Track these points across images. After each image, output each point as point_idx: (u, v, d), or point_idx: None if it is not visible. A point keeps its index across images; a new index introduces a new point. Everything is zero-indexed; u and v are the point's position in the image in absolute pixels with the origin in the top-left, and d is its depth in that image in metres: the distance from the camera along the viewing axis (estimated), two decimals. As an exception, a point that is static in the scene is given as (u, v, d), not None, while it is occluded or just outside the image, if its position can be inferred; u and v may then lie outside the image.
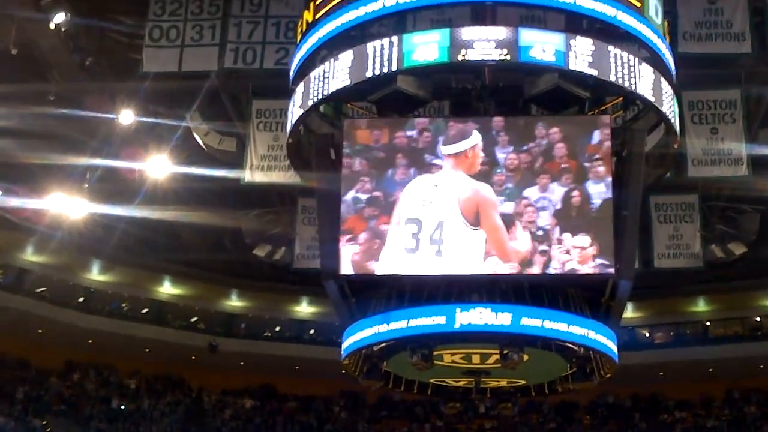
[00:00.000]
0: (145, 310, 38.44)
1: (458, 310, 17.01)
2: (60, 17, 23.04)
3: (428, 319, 17.19)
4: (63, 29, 23.41)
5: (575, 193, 17.27)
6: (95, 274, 37.03)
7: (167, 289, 38.86)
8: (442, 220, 17.33)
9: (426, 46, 16.36)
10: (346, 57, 16.95)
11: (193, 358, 37.81)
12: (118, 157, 27.83)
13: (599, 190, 17.27)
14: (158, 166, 27.82)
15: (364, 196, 17.81)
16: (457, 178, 17.48)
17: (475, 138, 17.58)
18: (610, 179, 17.28)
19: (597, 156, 17.38)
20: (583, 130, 17.63)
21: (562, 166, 17.42)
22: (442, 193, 17.48)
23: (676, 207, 24.74)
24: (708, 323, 37.09)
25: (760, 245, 26.99)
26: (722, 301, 36.33)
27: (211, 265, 36.76)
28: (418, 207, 17.51)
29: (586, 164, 17.37)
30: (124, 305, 38.09)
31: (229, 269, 37.20)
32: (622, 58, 16.52)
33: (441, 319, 17.05)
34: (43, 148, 26.40)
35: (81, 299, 36.48)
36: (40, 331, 34.41)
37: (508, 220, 17.24)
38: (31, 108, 24.75)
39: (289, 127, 18.52)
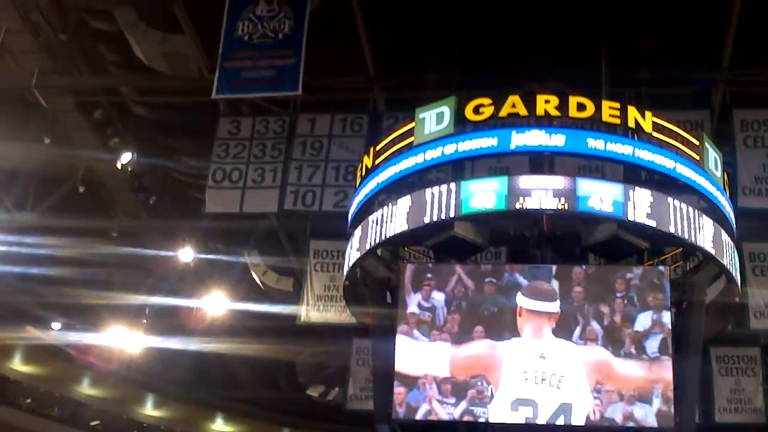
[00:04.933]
0: (197, 447, 38.26)
1: (510, 457, 16.59)
2: (126, 157, 23.82)
3: (480, 466, 16.80)
4: (129, 169, 24.13)
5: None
6: (149, 409, 37.06)
7: (219, 426, 38.70)
8: (569, 402, 16.65)
9: (484, 194, 16.34)
10: (404, 202, 17.00)
11: (244, 497, 37.36)
12: (176, 294, 28.15)
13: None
14: (216, 303, 28.07)
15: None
16: (565, 346, 16.85)
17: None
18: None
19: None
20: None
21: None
22: (559, 367, 16.77)
23: (737, 360, 24.06)
24: (771, 480, 35.85)
25: (824, 400, 26.19)
26: (786, 458, 35.19)
27: (264, 403, 36.68)
28: (530, 385, 16.72)
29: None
30: (176, 442, 37.98)
31: (281, 407, 37.03)
32: (681, 209, 16.37)
33: (492, 468, 16.65)
34: (102, 284, 26.86)
35: (135, 434, 36.45)
36: (92, 464, 34.34)
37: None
38: (93, 244, 25.27)
39: (345, 269, 18.48)
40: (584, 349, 16.80)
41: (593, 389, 16.54)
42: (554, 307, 17.07)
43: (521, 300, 17.21)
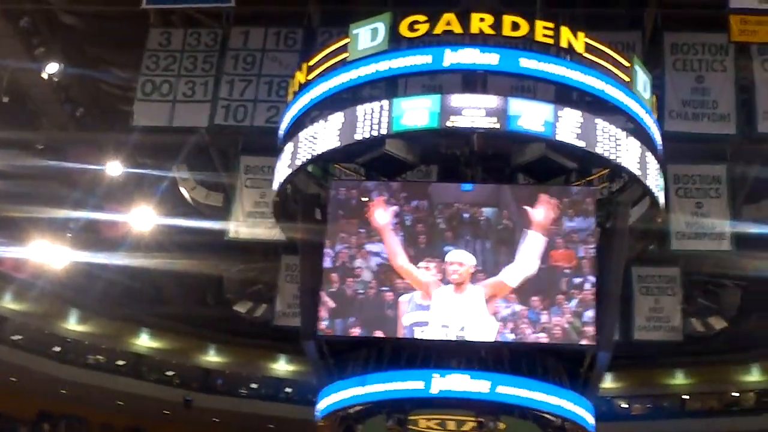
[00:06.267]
0: (121, 363, 38.04)
1: (436, 375, 16.88)
2: (53, 67, 23.36)
3: (405, 384, 17.07)
4: (55, 79, 23.62)
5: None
6: (73, 324, 36.74)
7: (144, 341, 38.54)
8: (465, 325, 17.22)
9: (416, 111, 16.48)
10: (337, 119, 17.05)
11: (167, 413, 37.34)
12: (102, 208, 27.81)
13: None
14: (143, 218, 27.80)
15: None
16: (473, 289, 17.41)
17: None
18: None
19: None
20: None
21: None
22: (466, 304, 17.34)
23: (658, 279, 24.65)
24: (686, 397, 37.02)
25: (740, 321, 27.06)
26: (700, 375, 36.34)
27: (191, 319, 36.61)
28: (449, 316, 17.33)
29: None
30: (100, 357, 37.70)
31: (208, 324, 36.98)
32: (609, 131, 16.69)
33: (418, 384, 16.92)
34: (27, 197, 26.41)
35: (57, 349, 36.09)
36: (13, 379, 33.98)
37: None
38: (18, 156, 24.79)
39: (276, 185, 18.53)
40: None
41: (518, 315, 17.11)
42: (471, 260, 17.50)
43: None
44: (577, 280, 17.23)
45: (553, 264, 17.34)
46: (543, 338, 17.03)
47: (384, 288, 17.50)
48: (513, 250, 17.41)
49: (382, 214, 17.80)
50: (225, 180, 24.24)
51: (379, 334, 17.43)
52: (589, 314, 17.06)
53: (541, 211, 17.42)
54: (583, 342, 17.05)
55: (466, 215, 17.74)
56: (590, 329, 17.03)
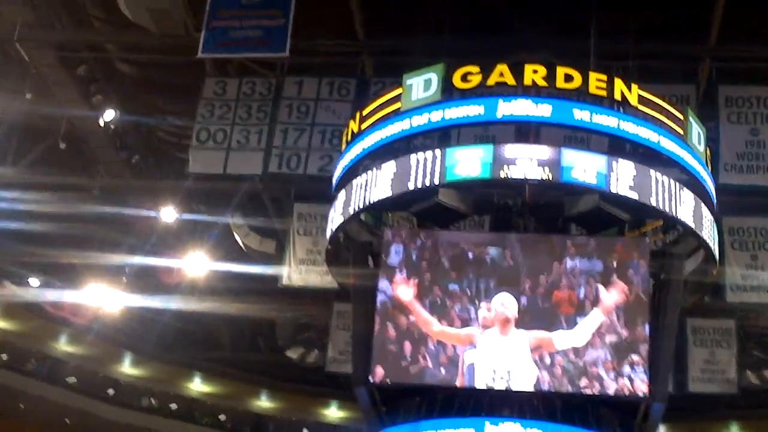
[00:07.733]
0: (174, 406, 38.25)
1: (487, 423, 16.64)
2: (110, 114, 23.77)
3: (458, 431, 17.00)
4: (112, 126, 24.05)
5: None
6: (127, 367, 37.06)
7: (197, 385, 38.73)
8: (510, 370, 16.99)
9: (469, 162, 16.44)
10: (389, 168, 17.06)
11: (219, 457, 37.52)
12: (157, 254, 28.13)
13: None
14: (197, 264, 28.07)
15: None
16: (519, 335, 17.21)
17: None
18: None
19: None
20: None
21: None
22: (511, 349, 17.11)
23: (712, 332, 24.35)
24: (742, 449, 36.32)
25: (796, 374, 26.56)
26: (756, 428, 35.57)
27: (243, 364, 36.78)
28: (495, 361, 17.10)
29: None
30: (153, 400, 37.94)
31: (260, 369, 37.16)
32: (663, 182, 16.53)
33: (470, 432, 16.86)
34: (83, 242, 26.80)
35: (111, 391, 36.41)
36: (67, 421, 34.31)
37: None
38: (74, 201, 25.20)
39: (328, 233, 18.57)
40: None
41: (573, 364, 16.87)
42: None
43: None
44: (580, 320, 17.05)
45: (555, 303, 17.16)
46: (587, 388, 16.81)
47: (388, 324, 17.42)
48: (517, 291, 17.29)
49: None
50: (277, 227, 24.44)
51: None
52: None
53: (613, 295, 17.17)
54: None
55: (470, 254, 17.67)
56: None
